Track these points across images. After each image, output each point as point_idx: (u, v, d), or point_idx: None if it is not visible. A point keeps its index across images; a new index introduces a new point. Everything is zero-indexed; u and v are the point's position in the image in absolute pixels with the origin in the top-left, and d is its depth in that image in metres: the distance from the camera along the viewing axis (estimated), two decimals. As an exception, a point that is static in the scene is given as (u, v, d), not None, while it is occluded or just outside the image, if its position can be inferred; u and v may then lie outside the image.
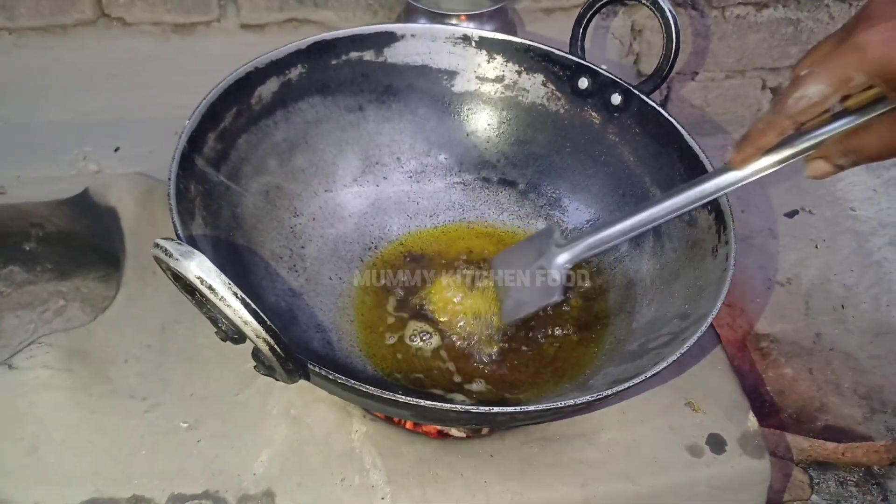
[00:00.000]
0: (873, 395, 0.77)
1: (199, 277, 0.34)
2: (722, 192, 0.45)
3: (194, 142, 0.53)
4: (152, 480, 0.49)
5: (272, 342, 0.35)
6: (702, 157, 0.58)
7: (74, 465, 0.49)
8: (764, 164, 0.42)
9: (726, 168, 0.44)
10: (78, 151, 0.80)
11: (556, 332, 0.58)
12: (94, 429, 0.51)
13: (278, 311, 0.55)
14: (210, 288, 0.34)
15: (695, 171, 0.58)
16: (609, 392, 0.41)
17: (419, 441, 0.52)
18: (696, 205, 0.46)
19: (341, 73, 0.64)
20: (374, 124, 0.67)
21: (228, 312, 0.34)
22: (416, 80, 0.67)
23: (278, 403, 0.53)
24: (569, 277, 0.58)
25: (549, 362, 0.55)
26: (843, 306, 0.84)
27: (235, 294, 0.34)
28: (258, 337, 0.35)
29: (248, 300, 0.34)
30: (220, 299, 0.34)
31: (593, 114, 0.66)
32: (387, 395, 0.38)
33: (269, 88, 0.60)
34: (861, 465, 0.70)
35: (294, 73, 0.62)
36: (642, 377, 0.42)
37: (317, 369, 0.39)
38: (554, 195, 0.69)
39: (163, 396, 0.53)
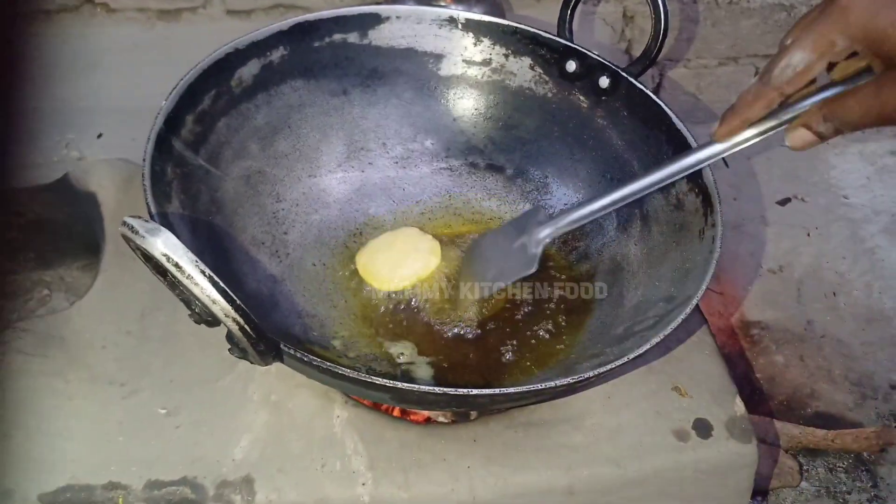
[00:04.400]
0: (864, 382, 0.76)
1: (165, 255, 0.33)
2: (702, 165, 0.45)
3: (171, 123, 0.52)
4: (129, 467, 0.48)
5: (241, 322, 0.34)
6: (690, 139, 0.57)
7: (49, 451, 0.49)
8: (746, 135, 0.41)
9: (708, 142, 0.44)
10: (60, 138, 0.79)
11: (543, 318, 0.57)
12: (71, 415, 0.50)
13: (259, 298, 0.54)
14: (177, 266, 0.33)
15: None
16: (591, 374, 0.40)
17: (402, 426, 0.51)
18: (677, 177, 0.46)
19: (325, 56, 0.63)
20: (359, 109, 0.66)
21: (196, 291, 0.33)
22: (402, 64, 0.66)
23: (259, 389, 0.53)
24: (549, 255, 0.57)
25: (534, 347, 0.55)
26: (835, 293, 0.84)
27: (203, 272, 0.33)
28: (227, 316, 0.34)
29: (216, 279, 0.34)
30: (187, 277, 0.33)
31: (581, 97, 0.65)
32: (363, 377, 0.38)
33: (249, 70, 0.59)
34: (851, 452, 0.70)
35: (276, 55, 0.61)
36: (625, 359, 0.41)
37: (291, 351, 0.38)
38: (542, 180, 0.68)
39: (142, 382, 0.52)
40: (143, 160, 0.48)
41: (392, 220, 0.66)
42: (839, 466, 0.69)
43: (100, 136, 0.79)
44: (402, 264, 0.59)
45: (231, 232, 0.56)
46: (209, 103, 0.56)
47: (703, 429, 0.52)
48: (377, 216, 0.65)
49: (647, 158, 0.61)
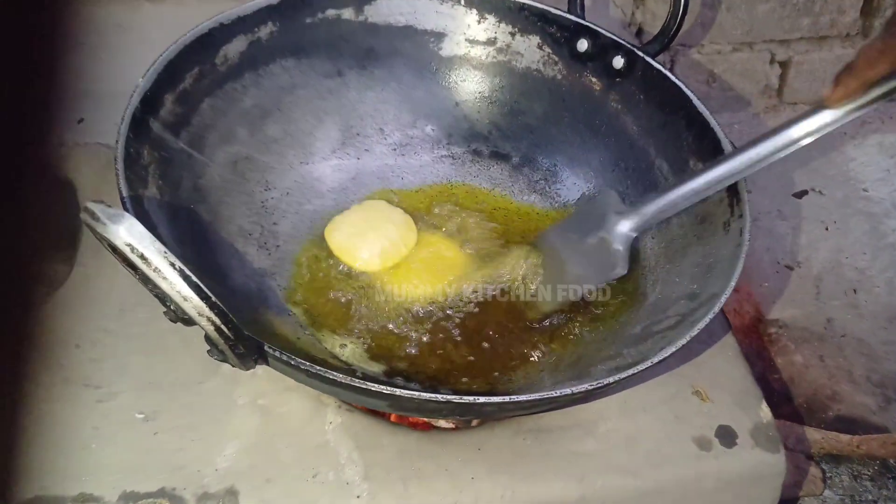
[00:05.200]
0: (888, 383, 0.72)
1: (129, 245, 0.29)
2: (812, 138, 0.39)
3: (149, 103, 0.48)
4: (103, 477, 0.44)
5: (217, 321, 0.30)
6: (713, 124, 0.53)
7: (16, 460, 0.44)
8: (864, 100, 0.36)
9: (817, 109, 0.38)
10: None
11: (553, 316, 0.53)
12: (40, 420, 0.46)
13: (247, 293, 0.50)
14: (142, 257, 0.29)
15: (704, 141, 0.54)
16: (610, 380, 0.36)
17: (400, 432, 0.47)
18: (782, 154, 0.40)
19: (317, 34, 0.59)
20: (355, 92, 0.62)
21: (165, 287, 0.29)
22: (401, 43, 0.62)
23: (246, 393, 0.49)
24: (637, 252, 0.52)
25: (544, 348, 0.50)
26: (855, 290, 0.80)
27: (173, 265, 0.29)
28: (201, 315, 0.30)
29: (187, 272, 0.29)
30: (154, 271, 0.29)
31: (593, 80, 0.61)
32: (357, 382, 0.34)
33: (235, 48, 0.55)
34: (876, 458, 0.66)
35: (264, 31, 0.57)
36: (647, 364, 0.37)
37: (277, 353, 0.34)
38: (550, 169, 0.64)
39: (119, 385, 0.48)
40: (116, 141, 0.44)
41: (390, 210, 0.61)
42: (864, 474, 0.65)
43: (80, 121, 0.75)
44: (378, 238, 0.54)
45: (216, 222, 0.52)
46: (191, 82, 0.52)
47: (726, 436, 0.48)
48: (374, 207, 0.61)
49: (666, 146, 0.57)
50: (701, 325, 0.39)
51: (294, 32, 0.58)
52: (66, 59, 0.81)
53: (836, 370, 0.73)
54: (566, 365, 0.48)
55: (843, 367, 0.73)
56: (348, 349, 0.49)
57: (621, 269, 0.47)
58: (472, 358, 0.49)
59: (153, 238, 0.29)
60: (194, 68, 0.52)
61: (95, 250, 0.57)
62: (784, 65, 1.04)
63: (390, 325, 0.51)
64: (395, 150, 0.64)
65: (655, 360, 0.37)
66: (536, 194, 0.64)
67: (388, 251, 0.54)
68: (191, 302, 0.29)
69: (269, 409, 0.48)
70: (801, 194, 0.91)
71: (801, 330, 0.76)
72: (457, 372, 0.48)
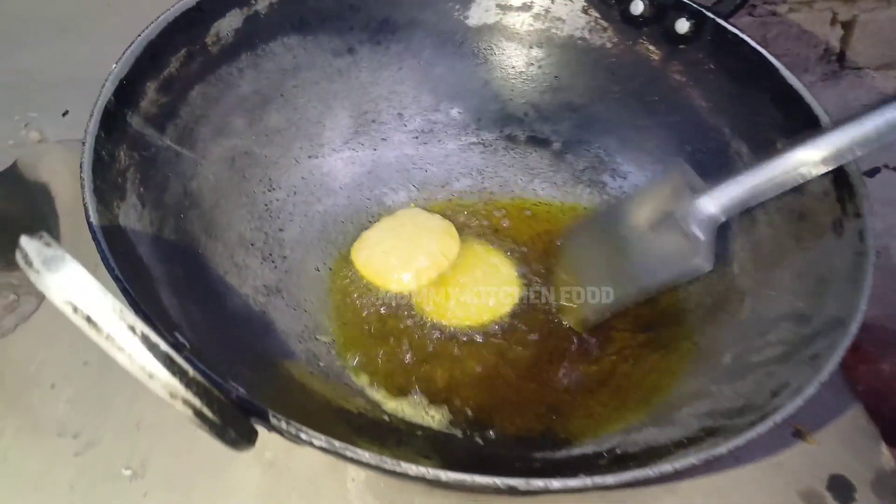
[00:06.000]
0: None
1: (69, 303, 0.21)
2: None
3: (126, 93, 0.41)
4: (84, 547, 0.37)
5: (197, 403, 0.22)
6: (808, 98, 0.44)
7: (-19, 526, 0.38)
8: None
9: None
10: (20, 117, 0.69)
11: (612, 333, 0.44)
12: (6, 477, 0.39)
13: (248, 316, 0.42)
14: (88, 320, 0.20)
15: (795, 118, 0.44)
16: (723, 450, 0.27)
17: (437, 493, 0.39)
18: None
19: (324, 4, 0.52)
20: (367, 72, 0.54)
21: (121, 360, 0.21)
22: (420, 13, 0.54)
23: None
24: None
25: (606, 378, 0.42)
26: (944, 283, 0.70)
27: (132, 328, 0.21)
28: (174, 397, 0.21)
29: (153, 337, 0.21)
30: (105, 339, 0.20)
31: (650, 47, 0.52)
32: (387, 463, 0.25)
33: (229, 24, 0.47)
34: None
35: (262, 4, 0.49)
36: (769, 423, 0.28)
37: (283, 424, 0.26)
38: (599, 155, 0.55)
39: (100, 431, 0.41)
40: (83, 143, 0.36)
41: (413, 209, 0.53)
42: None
43: (65, 113, 0.69)
44: (415, 254, 0.46)
45: (210, 231, 0.44)
46: (178, 66, 0.45)
47: (841, 489, 0.39)
48: (394, 205, 0.53)
49: (745, 124, 0.48)
50: (831, 364, 0.30)
51: (297, 4, 0.50)
52: (49, 43, 0.74)
53: (928, 378, 0.64)
54: (637, 400, 0.39)
55: (936, 373, 0.64)
56: (376, 385, 0.41)
57: (703, 263, 0.36)
58: (522, 390, 0.41)
59: (103, 292, 0.21)
60: (181, 50, 0.45)
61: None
62: (847, 25, 0.93)
63: (428, 350, 0.43)
64: (416, 138, 0.56)
65: (773, 420, 0.28)
66: (583, 185, 0.55)
67: (427, 268, 0.46)
68: (158, 380, 0.21)
69: (277, 463, 0.40)
70: (872, 172, 0.81)
71: (883, 332, 0.67)
72: (507, 408, 0.40)
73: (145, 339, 0.21)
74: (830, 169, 0.36)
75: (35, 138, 0.65)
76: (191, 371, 0.21)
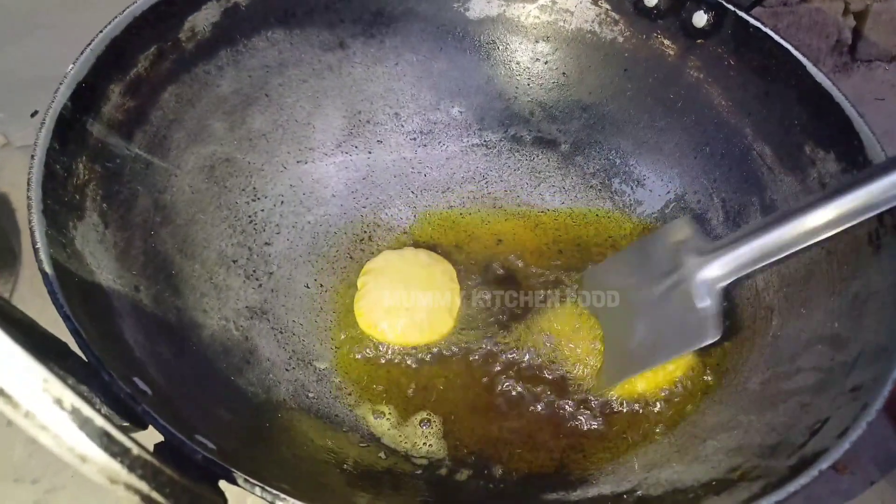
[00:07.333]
0: None
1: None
2: None
3: (84, 98, 0.37)
4: None
5: (145, 489, 0.17)
6: (837, 97, 0.40)
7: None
8: None
9: None
10: None
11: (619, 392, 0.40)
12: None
13: (227, 347, 0.38)
14: (1, 394, 0.16)
15: (825, 119, 0.41)
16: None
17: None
18: None
19: None
20: (361, 68, 0.51)
21: (45, 441, 0.17)
22: (417, 4, 0.50)
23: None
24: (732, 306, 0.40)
25: (621, 410, 0.38)
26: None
27: (59, 401, 0.16)
28: (114, 482, 0.17)
29: (87, 412, 0.17)
30: (23, 416, 0.16)
31: (666, 42, 0.49)
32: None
33: (206, 17, 0.44)
34: None
35: None
36: (813, 472, 0.24)
37: (256, 491, 0.22)
38: (610, 158, 0.51)
39: (62, 476, 0.37)
40: (32, 156, 0.32)
41: (412, 216, 0.51)
42: None
43: (34, 114, 0.64)
44: (420, 309, 0.43)
45: (185, 250, 0.40)
46: (147, 66, 0.41)
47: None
48: (391, 213, 0.49)
49: (768, 124, 0.45)
50: (877, 403, 0.27)
51: (280, -7, 0.45)
52: (18, 40, 0.70)
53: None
54: (660, 432, 0.36)
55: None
56: (374, 415, 0.37)
57: (712, 334, 0.35)
58: (531, 424, 0.37)
59: (24, 356, 0.17)
60: (150, 47, 0.41)
61: (39, 289, 0.45)
62: (860, 16, 0.89)
63: (430, 377, 0.39)
64: (414, 139, 0.52)
65: (819, 468, 0.24)
66: (593, 190, 0.51)
67: (424, 323, 0.42)
68: (93, 463, 0.17)
69: None
70: None
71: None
72: (516, 441, 0.37)
73: (76, 414, 0.16)
74: (844, 228, 0.32)
75: (0, 142, 0.61)
76: (135, 449, 0.17)
